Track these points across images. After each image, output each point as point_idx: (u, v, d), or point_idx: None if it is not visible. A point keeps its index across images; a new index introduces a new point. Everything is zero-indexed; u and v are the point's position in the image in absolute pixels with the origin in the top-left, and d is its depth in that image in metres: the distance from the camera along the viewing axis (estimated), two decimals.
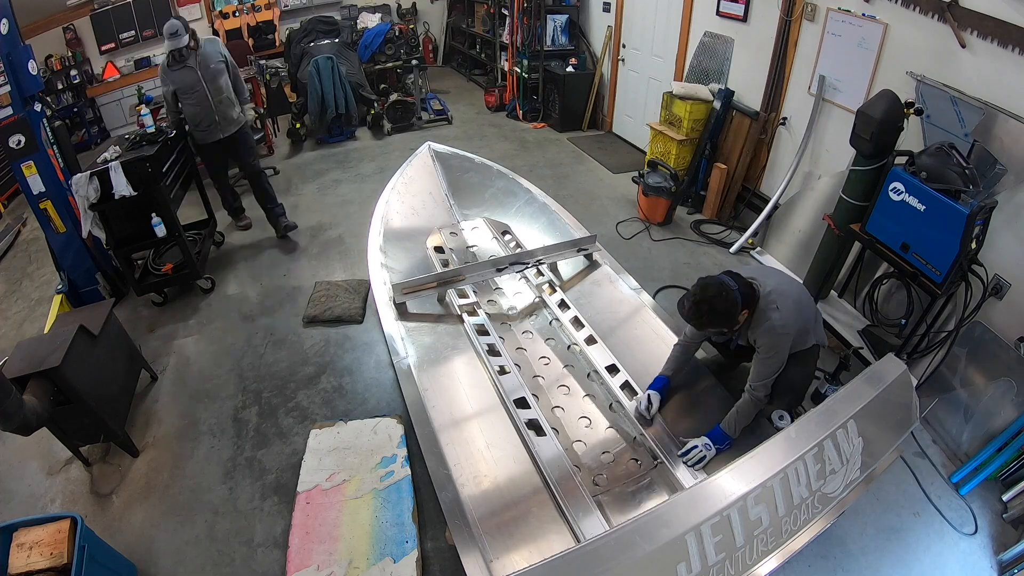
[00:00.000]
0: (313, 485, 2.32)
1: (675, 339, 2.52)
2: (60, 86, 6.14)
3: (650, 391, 2.33)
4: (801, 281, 3.07)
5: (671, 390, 2.41)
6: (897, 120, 2.44)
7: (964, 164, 2.20)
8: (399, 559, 2.03)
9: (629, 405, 2.38)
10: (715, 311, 2.00)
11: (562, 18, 5.99)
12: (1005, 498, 2.20)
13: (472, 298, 3.04)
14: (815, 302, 2.50)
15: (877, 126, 2.43)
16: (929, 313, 2.52)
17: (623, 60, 5.46)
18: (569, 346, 2.80)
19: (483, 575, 1.78)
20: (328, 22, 6.82)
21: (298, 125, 5.96)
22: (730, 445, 2.18)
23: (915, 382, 2.17)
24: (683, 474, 2.10)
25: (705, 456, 2.13)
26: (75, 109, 6.27)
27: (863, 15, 2.94)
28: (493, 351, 2.69)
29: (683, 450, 2.18)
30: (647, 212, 4.20)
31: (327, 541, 2.10)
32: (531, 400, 2.40)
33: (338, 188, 5.03)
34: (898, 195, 2.41)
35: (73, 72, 6.19)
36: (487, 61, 7.58)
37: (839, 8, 3.08)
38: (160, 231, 3.33)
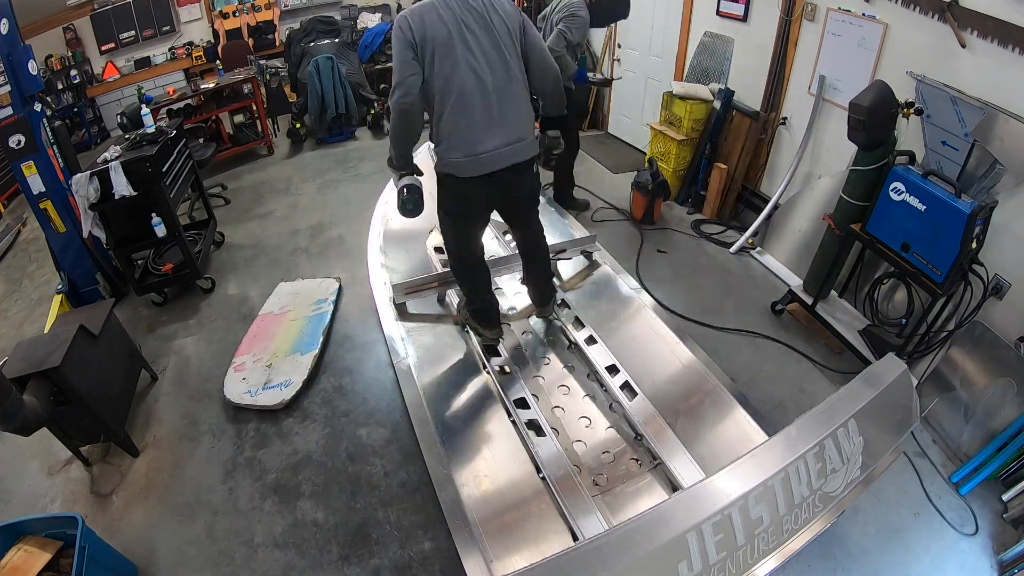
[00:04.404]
0: (268, 311, 3.34)
1: (676, 339, 2.66)
2: (60, 86, 6.14)
3: None
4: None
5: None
6: (889, 106, 2.42)
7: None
8: (304, 354, 2.96)
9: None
10: None
11: None
12: (1005, 498, 2.20)
13: None
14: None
15: (867, 113, 2.41)
16: (929, 313, 2.52)
17: (618, 60, 5.45)
18: (569, 346, 2.80)
19: (483, 575, 1.77)
20: (328, 22, 6.81)
21: (298, 125, 5.96)
22: None
23: (915, 382, 2.16)
24: (683, 474, 2.10)
25: None
26: (75, 109, 6.28)
27: (863, 15, 2.94)
28: (493, 351, 2.69)
29: None
30: (634, 209, 4.22)
31: (264, 341, 3.09)
32: (531, 400, 2.40)
33: (338, 188, 5.03)
34: (899, 195, 2.42)
35: (73, 72, 6.19)
36: None
37: (839, 8, 3.08)
38: (160, 231, 3.33)
